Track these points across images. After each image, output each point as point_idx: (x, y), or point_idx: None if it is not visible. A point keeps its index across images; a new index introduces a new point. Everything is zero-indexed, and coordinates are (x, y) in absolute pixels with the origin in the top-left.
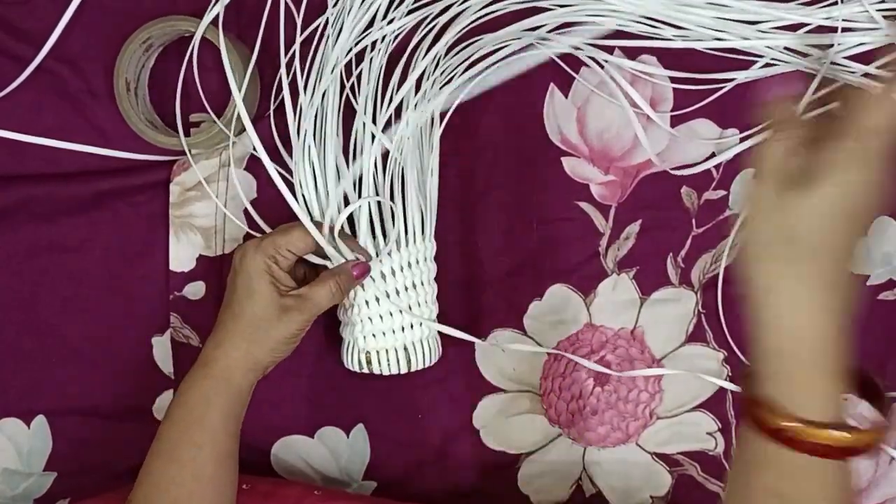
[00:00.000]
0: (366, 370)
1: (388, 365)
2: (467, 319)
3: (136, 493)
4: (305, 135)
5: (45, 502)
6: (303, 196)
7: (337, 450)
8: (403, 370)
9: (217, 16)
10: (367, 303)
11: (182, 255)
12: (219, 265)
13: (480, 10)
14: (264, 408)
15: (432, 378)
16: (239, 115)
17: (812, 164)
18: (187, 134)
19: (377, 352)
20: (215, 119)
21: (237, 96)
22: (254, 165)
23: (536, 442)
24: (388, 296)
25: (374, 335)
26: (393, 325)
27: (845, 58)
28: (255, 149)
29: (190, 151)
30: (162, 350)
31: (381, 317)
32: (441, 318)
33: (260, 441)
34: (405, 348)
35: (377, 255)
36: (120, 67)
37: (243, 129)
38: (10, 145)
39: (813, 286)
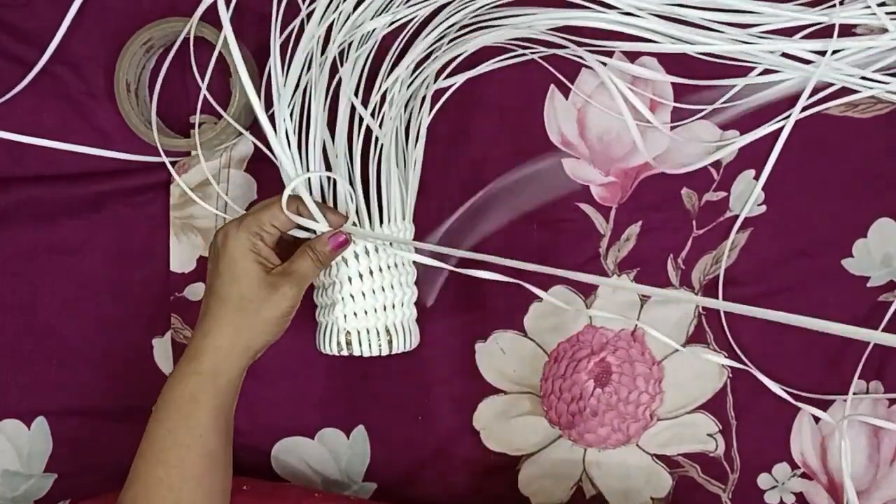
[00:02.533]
0: (345, 352)
1: (370, 346)
2: (468, 320)
3: (125, 494)
4: (292, 113)
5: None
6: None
7: (337, 451)
8: (384, 352)
9: (217, 16)
10: (349, 279)
11: (182, 256)
12: None
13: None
14: (264, 409)
15: (433, 379)
16: (239, 115)
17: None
18: (186, 135)
19: (357, 332)
20: (225, 114)
21: (216, 117)
22: (254, 167)
23: (537, 443)
24: (371, 273)
25: (354, 314)
26: (376, 303)
27: (848, 62)
28: (262, 134)
29: (192, 151)
30: (162, 351)
31: (363, 294)
32: (442, 319)
33: (260, 442)
34: (387, 329)
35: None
36: (120, 69)
37: (245, 130)
38: (11, 146)
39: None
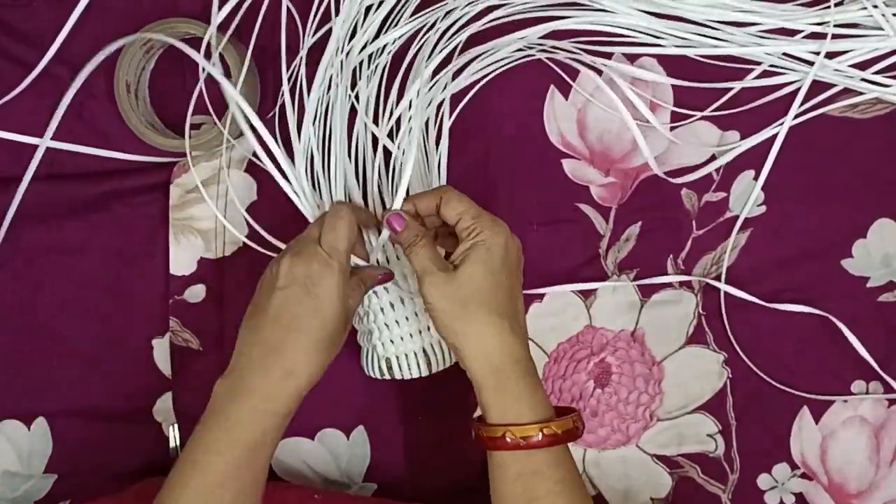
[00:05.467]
0: (387, 377)
1: (409, 369)
2: None
3: None
4: (310, 139)
5: None
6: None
7: (337, 452)
8: (424, 373)
9: (220, 21)
10: (382, 310)
11: (182, 257)
12: (220, 267)
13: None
14: None
15: (432, 380)
16: (237, 117)
17: (455, 254)
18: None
19: (397, 357)
20: (216, 120)
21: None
22: (254, 167)
23: None
24: (402, 302)
25: (391, 341)
26: (410, 329)
27: (851, 65)
28: (255, 155)
29: (191, 153)
30: (162, 352)
31: (397, 322)
32: None
33: None
34: (424, 351)
35: (388, 262)
36: (120, 70)
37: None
38: (11, 147)
39: (488, 324)
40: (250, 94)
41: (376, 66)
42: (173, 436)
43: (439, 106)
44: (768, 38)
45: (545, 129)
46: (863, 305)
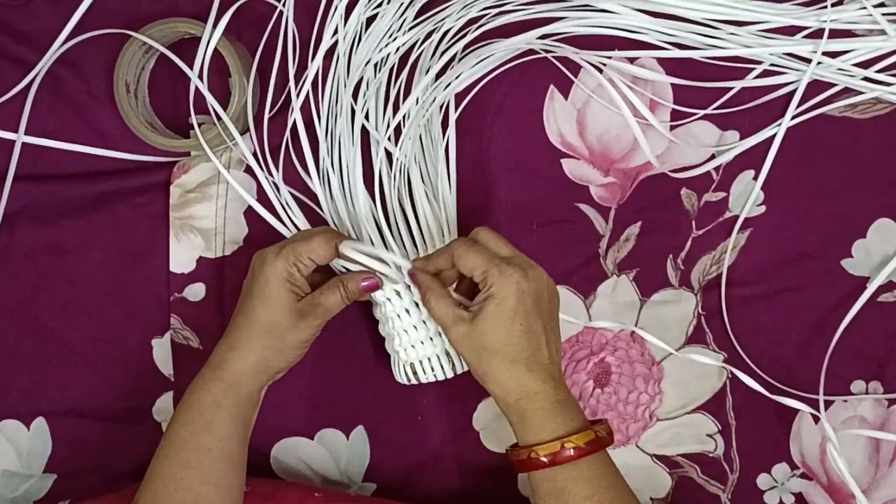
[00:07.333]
0: (414, 381)
1: (434, 372)
2: None
3: (143, 494)
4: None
5: None
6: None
7: (337, 452)
8: (449, 374)
9: (219, 20)
10: (399, 316)
11: (182, 256)
12: (219, 266)
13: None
14: (264, 409)
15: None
16: (238, 116)
17: (473, 303)
18: (186, 136)
19: (420, 361)
20: (219, 118)
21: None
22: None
23: None
24: (417, 306)
25: (413, 346)
26: (429, 332)
27: (854, 64)
28: (244, 156)
29: (192, 152)
30: (162, 352)
31: (415, 327)
32: None
33: (260, 443)
34: (447, 353)
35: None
36: (120, 69)
37: (245, 131)
38: (10, 147)
39: (502, 370)
40: (253, 95)
41: (380, 74)
42: None
43: (441, 106)
44: (768, 38)
45: (545, 128)
46: (862, 305)
